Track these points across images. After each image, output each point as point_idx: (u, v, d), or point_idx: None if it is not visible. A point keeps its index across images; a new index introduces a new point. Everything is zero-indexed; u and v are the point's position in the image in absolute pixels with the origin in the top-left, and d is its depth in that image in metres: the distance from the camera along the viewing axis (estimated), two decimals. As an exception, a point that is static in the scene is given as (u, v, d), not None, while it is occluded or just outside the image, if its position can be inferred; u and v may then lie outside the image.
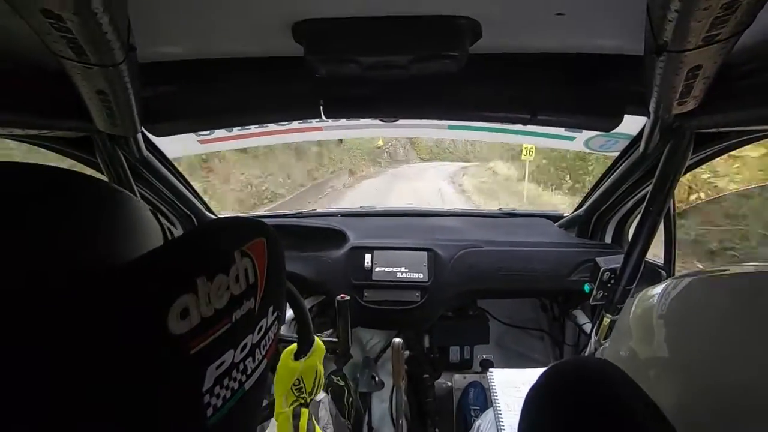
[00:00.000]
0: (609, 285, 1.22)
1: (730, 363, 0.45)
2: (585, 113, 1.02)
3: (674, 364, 0.50)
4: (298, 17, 0.73)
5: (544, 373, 0.50)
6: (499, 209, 1.95)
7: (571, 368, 0.50)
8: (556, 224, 1.73)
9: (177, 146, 1.31)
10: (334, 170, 13.01)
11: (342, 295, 0.98)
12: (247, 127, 1.37)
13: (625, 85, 0.95)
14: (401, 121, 1.35)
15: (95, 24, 0.48)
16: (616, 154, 1.36)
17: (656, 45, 0.63)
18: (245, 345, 0.32)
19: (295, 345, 0.80)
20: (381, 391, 1.66)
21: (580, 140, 1.45)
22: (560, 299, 1.72)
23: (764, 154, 3.28)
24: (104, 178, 0.98)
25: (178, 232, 1.44)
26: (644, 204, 1.07)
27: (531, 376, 1.18)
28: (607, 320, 1.18)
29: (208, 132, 1.34)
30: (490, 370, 1.19)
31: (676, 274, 1.24)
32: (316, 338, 0.81)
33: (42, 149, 0.97)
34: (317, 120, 1.36)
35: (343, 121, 1.47)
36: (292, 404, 0.76)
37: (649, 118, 0.97)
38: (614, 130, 1.06)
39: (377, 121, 1.35)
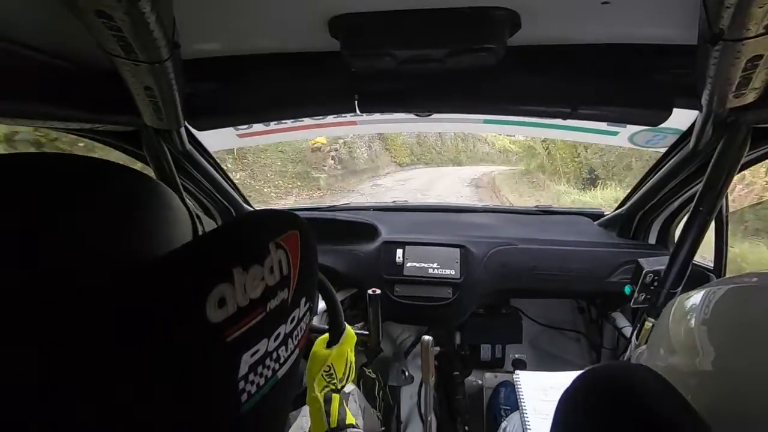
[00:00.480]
0: (652, 288, 1.16)
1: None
2: (630, 107, 0.97)
3: (718, 373, 0.48)
4: (335, 12, 0.73)
5: (581, 376, 0.48)
6: (535, 206, 1.89)
7: (610, 373, 0.48)
8: (595, 223, 1.66)
9: (217, 140, 1.35)
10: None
11: (373, 288, 0.99)
12: (283, 121, 1.40)
13: (674, 77, 0.89)
14: (435, 115, 1.34)
15: (143, 23, 0.51)
16: (663, 150, 1.29)
17: (711, 33, 0.59)
18: (278, 334, 0.32)
19: (324, 336, 0.82)
20: (410, 385, 1.67)
21: (624, 135, 1.38)
22: (598, 301, 1.65)
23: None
24: (149, 170, 1.03)
25: (211, 223, 1.50)
26: (693, 203, 1.01)
27: (559, 379, 1.15)
28: (649, 324, 1.13)
29: (246, 126, 1.37)
30: (516, 372, 1.17)
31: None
32: (347, 326, 0.82)
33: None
34: (352, 114, 1.37)
35: (377, 116, 1.47)
36: (323, 390, 0.78)
37: (701, 111, 0.91)
38: (662, 125, 1.01)
39: (412, 116, 1.35)
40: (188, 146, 1.11)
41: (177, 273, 0.26)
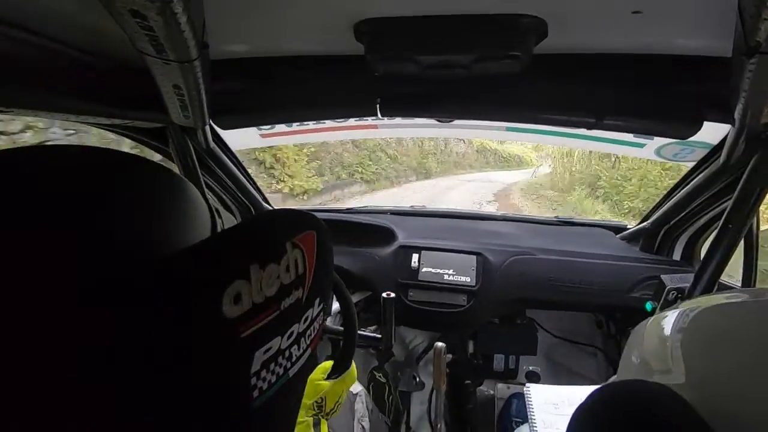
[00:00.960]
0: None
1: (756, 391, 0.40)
2: (659, 119, 0.94)
3: (690, 383, 0.46)
4: (361, 16, 0.74)
5: (598, 391, 0.47)
6: (556, 217, 1.86)
7: (628, 390, 0.47)
8: (617, 236, 1.62)
9: (241, 139, 1.38)
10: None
11: (388, 292, 0.99)
12: (305, 123, 1.42)
13: (706, 89, 0.87)
14: (457, 122, 1.33)
15: (175, 23, 0.52)
16: (692, 164, 1.26)
17: (747, 46, 0.57)
18: (292, 333, 0.33)
19: (327, 363, 0.83)
20: (421, 392, 1.65)
21: (650, 147, 1.35)
22: (618, 316, 1.61)
23: None
24: (173, 166, 1.06)
25: (231, 219, 1.52)
26: (722, 220, 0.98)
27: (571, 393, 1.12)
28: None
29: (269, 126, 1.39)
30: (527, 384, 1.15)
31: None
32: (353, 365, 0.83)
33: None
34: (373, 118, 1.38)
35: (398, 120, 1.47)
36: (311, 416, 0.79)
37: (733, 125, 0.88)
38: (691, 138, 0.98)
39: (433, 121, 1.34)
40: (212, 144, 1.13)
41: (195, 267, 0.26)
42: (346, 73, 0.95)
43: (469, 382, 1.64)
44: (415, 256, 1.46)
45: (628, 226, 1.65)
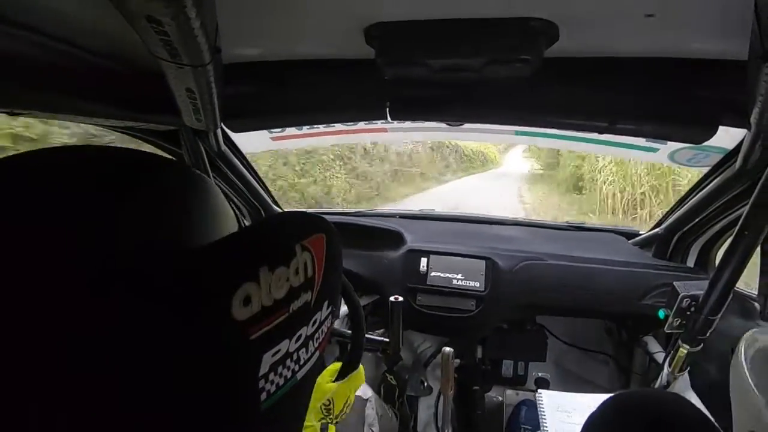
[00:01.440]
0: (689, 313, 1.11)
1: None
2: (672, 123, 0.93)
3: None
4: (372, 20, 0.74)
5: (611, 399, 0.46)
6: (567, 222, 1.84)
7: (642, 400, 0.46)
8: (630, 242, 1.60)
9: (252, 142, 1.39)
10: None
11: (396, 296, 0.98)
12: (315, 126, 1.42)
13: (721, 93, 0.85)
14: (466, 125, 1.33)
15: (188, 28, 0.53)
16: (706, 169, 1.24)
17: (764, 49, 0.56)
18: (300, 336, 0.33)
19: (335, 365, 0.83)
20: (428, 396, 1.64)
21: (663, 152, 1.33)
22: (629, 323, 1.59)
23: None
24: None
25: (246, 222, 1.54)
26: (738, 226, 0.96)
27: (583, 401, 1.11)
28: (683, 351, 1.07)
29: (280, 129, 1.41)
30: (539, 390, 1.13)
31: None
32: (361, 367, 0.83)
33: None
34: (383, 121, 1.38)
35: (408, 124, 1.48)
36: (319, 420, 0.79)
37: (749, 130, 0.86)
38: (705, 143, 0.96)
39: (442, 125, 1.34)
40: (223, 147, 1.14)
41: (206, 268, 0.26)
42: (356, 76, 0.95)
43: (477, 387, 1.62)
44: (423, 260, 1.45)
45: (641, 232, 1.62)
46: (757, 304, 1.13)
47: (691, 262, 1.43)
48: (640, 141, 1.31)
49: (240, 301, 0.26)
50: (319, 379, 0.81)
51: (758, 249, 0.99)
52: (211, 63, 0.65)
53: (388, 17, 0.73)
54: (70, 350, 0.22)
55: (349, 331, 0.83)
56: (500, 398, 1.68)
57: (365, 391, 1.18)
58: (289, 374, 0.32)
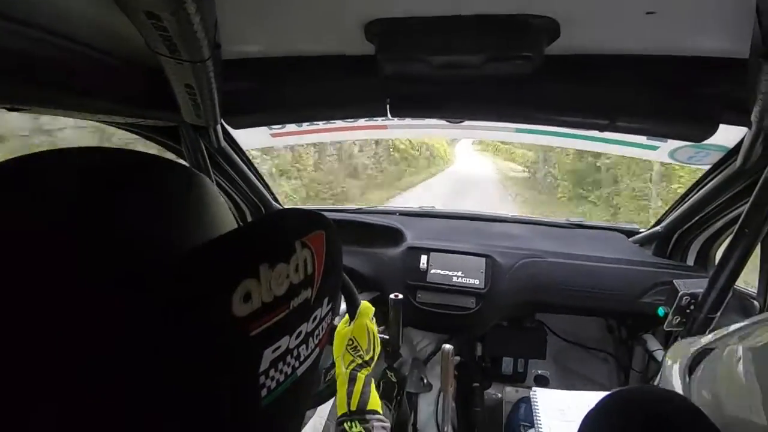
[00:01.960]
0: (688, 311, 1.11)
1: None
2: (673, 121, 0.93)
3: None
4: (372, 17, 0.74)
5: (609, 397, 0.46)
6: (567, 219, 1.84)
7: (640, 397, 0.46)
8: (630, 240, 1.60)
9: (251, 138, 1.39)
10: None
11: (396, 293, 0.99)
12: (316, 122, 1.42)
13: (721, 91, 0.85)
14: (467, 123, 1.32)
15: (188, 24, 0.53)
16: (706, 167, 1.24)
17: (765, 48, 0.56)
18: (300, 332, 0.33)
19: (345, 318, 0.86)
20: (428, 393, 1.65)
21: (664, 150, 1.32)
22: (629, 321, 1.59)
23: None
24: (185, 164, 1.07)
25: (240, 219, 1.54)
26: (738, 225, 0.96)
27: (578, 398, 1.11)
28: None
29: (280, 126, 1.40)
30: (534, 388, 1.14)
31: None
32: (363, 302, 0.86)
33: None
34: (383, 118, 1.38)
35: (408, 121, 1.47)
36: (349, 365, 0.79)
37: (750, 128, 0.86)
38: (706, 141, 0.96)
39: (443, 122, 1.34)
40: (223, 143, 1.14)
41: (206, 266, 0.26)
42: (356, 73, 0.95)
43: (477, 384, 1.63)
44: (423, 258, 1.45)
45: (641, 230, 1.62)
46: (756, 302, 1.13)
47: (690, 261, 1.43)
48: (641, 139, 1.31)
49: (240, 298, 0.26)
50: (337, 329, 0.85)
51: (758, 247, 0.99)
52: (210, 59, 0.65)
53: (389, 13, 0.73)
54: (72, 351, 0.22)
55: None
56: (499, 395, 1.68)
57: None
58: (289, 370, 0.32)
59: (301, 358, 0.34)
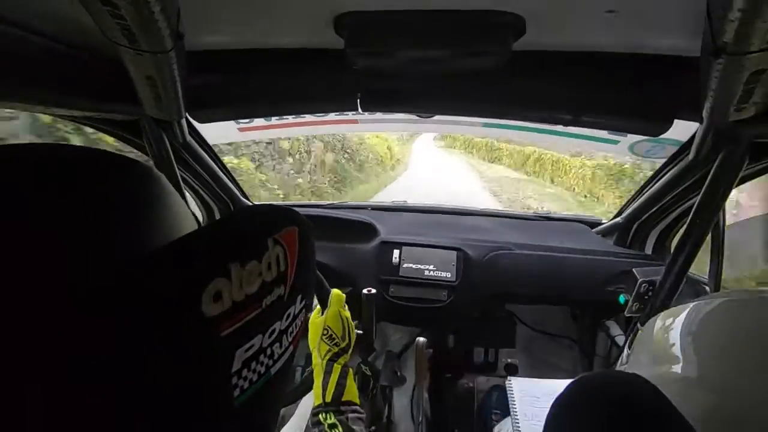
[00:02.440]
0: (646, 297, 1.17)
1: (755, 386, 0.42)
2: (632, 116, 0.97)
3: (701, 383, 0.48)
4: (341, 9, 0.73)
5: (575, 383, 0.48)
6: (534, 212, 1.90)
7: (599, 381, 0.49)
8: (593, 230, 1.66)
9: (218, 133, 1.35)
10: None
11: (369, 288, 0.99)
12: (284, 117, 1.40)
13: (676, 88, 0.90)
14: (436, 117, 1.34)
15: (148, 12, 0.50)
16: (663, 160, 1.30)
17: (715, 46, 0.59)
18: (273, 330, 0.32)
19: (319, 308, 0.86)
20: (402, 387, 1.66)
21: (624, 144, 1.38)
22: (593, 309, 1.66)
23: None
24: (149, 160, 1.03)
25: (208, 216, 1.49)
26: (690, 215, 1.01)
27: (552, 386, 1.15)
28: (641, 333, 1.14)
29: (247, 120, 1.37)
30: (509, 377, 1.17)
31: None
32: (333, 290, 0.86)
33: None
34: (353, 113, 1.37)
35: (379, 115, 1.47)
36: (326, 355, 0.79)
37: (701, 123, 0.91)
38: (663, 135, 1.01)
39: (413, 117, 1.35)
40: (188, 138, 1.10)
41: (174, 266, 0.25)
42: (326, 67, 0.94)
43: (449, 375, 1.66)
44: (396, 252, 1.46)
45: (603, 221, 1.69)
46: (707, 288, 1.20)
47: (649, 250, 1.50)
48: (603, 133, 1.36)
49: (210, 297, 0.25)
50: (310, 320, 0.84)
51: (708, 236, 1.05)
52: (173, 50, 0.63)
53: (358, 6, 0.72)
54: (35, 361, 0.21)
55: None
56: (471, 385, 1.72)
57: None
58: (262, 369, 0.31)
59: (275, 357, 0.33)
